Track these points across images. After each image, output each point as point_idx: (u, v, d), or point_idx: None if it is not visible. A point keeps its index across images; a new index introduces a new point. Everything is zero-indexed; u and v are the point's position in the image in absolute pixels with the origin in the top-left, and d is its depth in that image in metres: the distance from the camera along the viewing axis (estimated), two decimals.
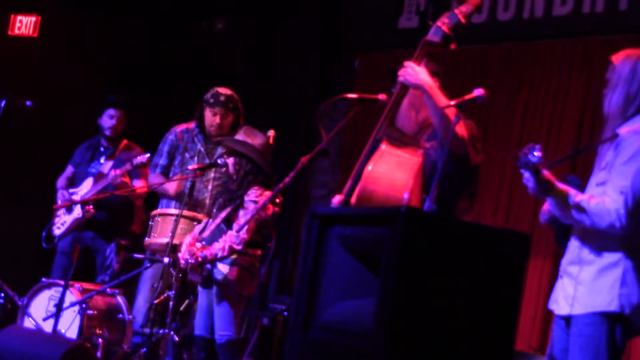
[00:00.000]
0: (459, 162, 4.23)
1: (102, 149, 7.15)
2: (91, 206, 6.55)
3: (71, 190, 7.01)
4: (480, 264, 3.36)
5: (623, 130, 3.78)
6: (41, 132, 8.30)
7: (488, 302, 3.36)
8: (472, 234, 3.41)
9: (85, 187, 6.92)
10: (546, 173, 3.68)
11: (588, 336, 3.73)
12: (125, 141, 7.17)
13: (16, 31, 8.77)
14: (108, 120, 7.08)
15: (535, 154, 3.58)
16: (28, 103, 6.98)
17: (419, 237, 3.23)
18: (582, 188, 3.85)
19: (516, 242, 3.49)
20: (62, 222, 6.93)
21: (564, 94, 7.07)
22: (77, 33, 8.69)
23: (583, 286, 3.77)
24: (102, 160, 7.05)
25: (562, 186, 3.75)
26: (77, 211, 6.83)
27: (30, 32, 8.75)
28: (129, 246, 6.73)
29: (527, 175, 3.69)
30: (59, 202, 7.03)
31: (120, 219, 6.93)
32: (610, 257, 3.74)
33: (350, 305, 3.44)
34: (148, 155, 6.60)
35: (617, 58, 3.94)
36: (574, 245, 3.87)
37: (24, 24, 8.77)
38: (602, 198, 3.69)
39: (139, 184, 6.89)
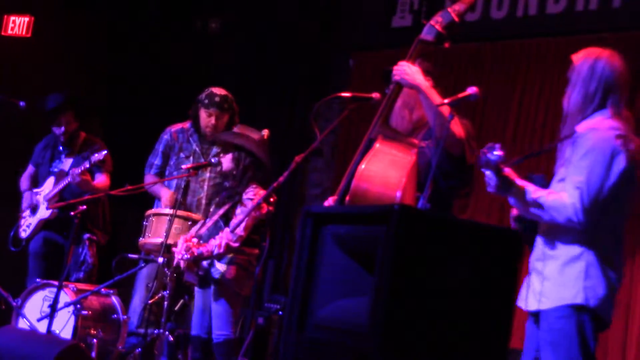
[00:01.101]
0: (456, 162, 4.25)
1: (60, 147, 7.08)
2: (55, 206, 6.58)
3: (35, 190, 6.99)
4: (473, 261, 3.37)
5: (580, 128, 3.85)
6: (35, 132, 8.28)
7: (482, 300, 3.37)
8: (466, 232, 3.42)
9: (47, 187, 6.89)
10: (507, 171, 3.77)
11: (558, 330, 3.77)
12: (83, 135, 7.09)
13: (9, 32, 8.75)
14: (56, 129, 6.99)
15: (495, 153, 3.67)
16: (22, 104, 6.97)
17: (413, 235, 3.24)
18: (546, 186, 3.91)
19: (509, 240, 3.51)
20: (28, 223, 6.92)
21: (558, 91, 7.07)
22: (71, 33, 8.67)
23: (549, 281, 3.83)
24: (62, 159, 7.01)
25: (522, 183, 3.82)
26: (43, 212, 6.82)
27: (24, 33, 8.72)
28: (100, 240, 6.74)
29: (488, 173, 3.76)
30: (25, 204, 7.00)
31: (88, 215, 6.80)
32: (572, 251, 3.80)
33: (345, 304, 3.44)
34: (105, 152, 6.51)
35: (577, 57, 4.01)
36: (539, 242, 3.93)
37: (17, 25, 8.75)
38: (560, 193, 3.77)
39: (102, 179, 6.87)
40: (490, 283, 3.40)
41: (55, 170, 6.95)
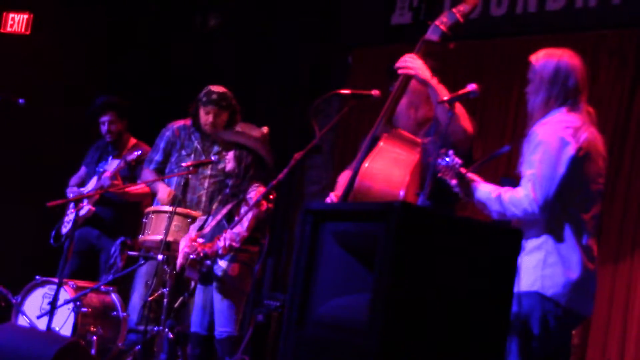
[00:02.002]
0: (463, 157, 4.25)
1: (109, 148, 7.18)
2: (87, 204, 6.59)
3: (81, 189, 7.02)
4: (473, 258, 3.37)
5: (535, 126, 3.95)
6: (34, 130, 8.28)
7: (481, 297, 3.37)
8: (465, 229, 3.42)
9: (90, 186, 6.95)
10: (469, 175, 3.95)
11: (515, 314, 3.81)
12: (133, 140, 7.20)
13: (8, 29, 8.75)
14: (102, 127, 7.13)
15: (447, 159, 3.88)
16: (21, 101, 6.97)
17: (413, 232, 3.24)
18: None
19: (509, 237, 3.52)
20: (69, 220, 6.95)
21: None
22: (70, 31, 8.66)
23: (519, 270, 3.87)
24: (109, 160, 7.06)
25: (483, 185, 3.96)
26: (82, 209, 6.84)
27: (23, 30, 8.72)
28: (133, 246, 6.74)
29: (453, 182, 3.95)
30: (71, 192, 7.04)
31: (125, 217, 6.92)
32: (534, 242, 3.90)
33: (345, 301, 3.44)
34: (139, 152, 6.59)
35: (537, 59, 4.09)
36: None
37: (17, 22, 8.75)
38: (516, 189, 3.89)
39: (142, 186, 6.90)
40: (490, 280, 3.41)
41: (100, 170, 6.99)
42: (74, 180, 7.27)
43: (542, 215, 3.84)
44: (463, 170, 3.94)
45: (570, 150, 3.84)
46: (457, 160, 3.93)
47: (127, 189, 6.84)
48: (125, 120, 7.17)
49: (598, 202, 3.97)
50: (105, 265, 6.72)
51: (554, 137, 3.85)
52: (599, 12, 7.02)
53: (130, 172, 6.93)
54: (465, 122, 4.20)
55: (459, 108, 4.14)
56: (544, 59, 4.05)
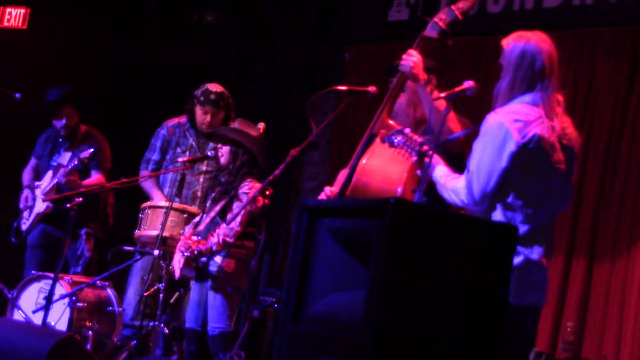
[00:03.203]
0: (454, 159, 4.26)
1: (60, 140, 7.07)
2: (48, 200, 6.60)
3: (36, 184, 6.98)
4: (468, 254, 3.37)
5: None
6: (30, 124, 8.27)
7: (476, 293, 3.38)
8: (461, 225, 3.43)
9: (46, 181, 6.88)
10: (432, 156, 3.90)
11: None
12: (84, 128, 7.08)
13: (5, 23, 8.74)
14: (58, 120, 6.97)
15: (399, 137, 3.89)
16: (17, 95, 6.95)
17: (408, 228, 3.24)
18: None
19: (504, 233, 3.52)
20: (27, 216, 6.92)
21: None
22: (66, 25, 8.65)
23: None
24: (62, 152, 6.99)
25: (439, 168, 3.93)
26: (39, 205, 6.81)
27: (20, 24, 8.71)
28: (99, 234, 6.73)
29: (414, 159, 3.92)
30: (25, 197, 6.98)
31: (86, 209, 6.78)
32: None
33: (340, 297, 3.44)
34: (92, 150, 6.46)
35: (507, 42, 3.97)
36: None
37: (13, 16, 8.74)
38: (459, 177, 3.86)
39: (96, 177, 6.86)
40: (485, 276, 3.41)
41: (54, 164, 6.94)
42: (27, 174, 7.18)
43: (478, 207, 3.81)
44: (425, 147, 3.89)
45: (512, 146, 3.73)
46: (417, 138, 3.89)
47: (82, 182, 6.76)
48: (80, 111, 7.03)
49: (551, 197, 3.88)
50: (73, 258, 6.70)
51: (500, 129, 3.76)
52: (595, 9, 7.01)
53: (84, 166, 6.79)
54: (453, 123, 4.20)
55: (441, 105, 4.12)
56: (512, 42, 3.94)
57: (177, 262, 5.62)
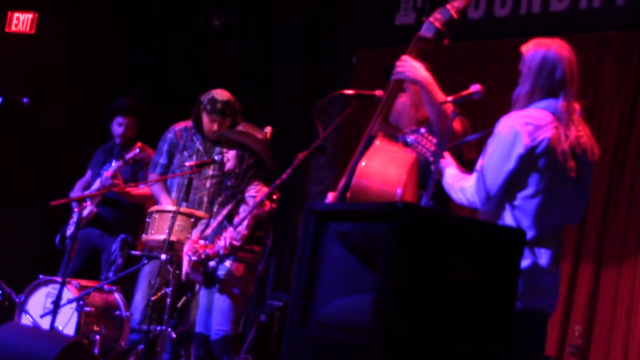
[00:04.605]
0: (454, 158, 4.25)
1: (115, 151, 7.18)
2: (90, 204, 6.61)
3: (85, 192, 7.03)
4: (475, 258, 3.37)
5: None
6: (38, 130, 8.29)
7: (484, 297, 3.37)
8: (468, 230, 3.42)
9: (94, 188, 6.94)
10: (444, 156, 3.93)
11: None
12: (139, 144, 7.17)
13: (13, 28, 8.75)
14: (117, 127, 7.12)
15: (412, 137, 3.92)
16: (25, 100, 6.97)
17: (416, 232, 3.24)
18: None
19: (511, 237, 3.51)
20: (73, 222, 6.95)
21: None
22: (74, 30, 8.67)
23: None
24: (113, 162, 7.05)
25: (450, 168, 3.94)
26: (85, 211, 6.84)
27: (27, 30, 8.73)
28: (134, 244, 6.74)
29: (430, 159, 3.93)
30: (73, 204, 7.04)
31: (127, 216, 6.90)
32: None
33: (348, 301, 3.44)
34: (137, 150, 6.58)
35: (527, 49, 3.97)
36: None
37: (21, 21, 8.76)
38: (468, 177, 3.87)
39: (144, 189, 6.89)
40: (492, 281, 3.41)
41: (103, 172, 6.99)
42: (79, 184, 7.26)
43: (484, 208, 3.82)
44: (439, 150, 3.90)
45: (520, 148, 3.74)
46: (432, 138, 3.91)
47: (128, 189, 6.84)
48: (139, 127, 7.17)
49: (560, 204, 3.86)
50: (107, 264, 6.73)
51: (511, 131, 3.77)
52: (602, 13, 7.01)
53: (132, 174, 6.92)
54: (454, 123, 4.19)
55: (448, 109, 4.12)
56: (533, 49, 3.94)
57: (184, 265, 5.63)
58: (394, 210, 3.25)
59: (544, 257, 3.83)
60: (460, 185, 3.89)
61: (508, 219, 3.83)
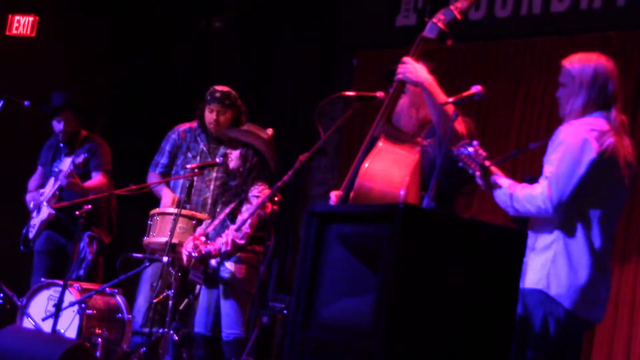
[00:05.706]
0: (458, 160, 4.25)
1: (61, 145, 7.06)
2: (47, 207, 6.62)
3: (40, 191, 7.00)
4: (477, 260, 3.37)
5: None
6: (39, 132, 8.28)
7: (485, 299, 3.37)
8: (470, 231, 3.42)
9: (48, 188, 6.90)
10: (492, 169, 3.94)
11: (521, 311, 3.82)
12: (84, 133, 7.06)
13: (14, 31, 8.76)
14: (57, 124, 6.98)
15: (469, 148, 3.91)
16: (26, 103, 6.97)
17: (418, 234, 3.24)
18: None
19: (513, 239, 3.51)
20: (33, 224, 6.94)
21: None
22: (75, 33, 8.67)
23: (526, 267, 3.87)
24: (62, 158, 7.00)
25: (502, 180, 3.94)
26: (44, 212, 6.82)
27: (28, 32, 8.73)
28: (102, 238, 6.72)
29: (477, 173, 3.94)
30: (30, 204, 7.00)
31: (91, 214, 6.74)
32: (544, 240, 3.89)
33: (350, 303, 3.44)
34: (86, 155, 6.48)
35: (572, 62, 4.04)
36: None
37: (22, 24, 8.76)
38: (532, 186, 3.88)
39: (97, 178, 6.85)
40: (494, 282, 3.40)
41: (55, 170, 6.95)
42: (32, 182, 7.19)
43: (555, 215, 3.82)
44: (487, 162, 3.93)
45: (592, 153, 3.81)
46: (482, 152, 3.93)
47: (83, 185, 6.75)
48: (79, 118, 7.04)
49: (617, 212, 3.95)
50: (76, 262, 6.69)
51: (577, 138, 3.83)
52: (603, 13, 7.01)
53: (81, 170, 6.78)
54: (458, 124, 4.19)
55: (449, 110, 4.12)
56: (580, 62, 4.01)
57: (184, 260, 5.61)
58: (395, 211, 3.25)
59: (605, 267, 3.89)
60: (526, 193, 3.88)
61: (579, 232, 3.84)
